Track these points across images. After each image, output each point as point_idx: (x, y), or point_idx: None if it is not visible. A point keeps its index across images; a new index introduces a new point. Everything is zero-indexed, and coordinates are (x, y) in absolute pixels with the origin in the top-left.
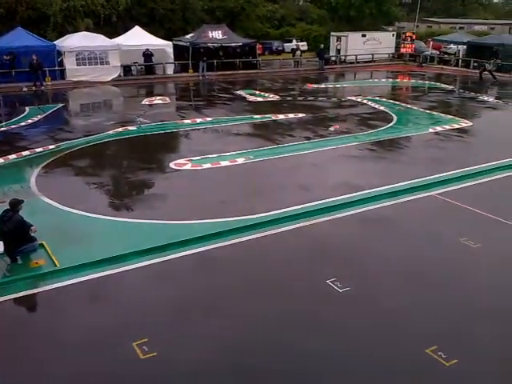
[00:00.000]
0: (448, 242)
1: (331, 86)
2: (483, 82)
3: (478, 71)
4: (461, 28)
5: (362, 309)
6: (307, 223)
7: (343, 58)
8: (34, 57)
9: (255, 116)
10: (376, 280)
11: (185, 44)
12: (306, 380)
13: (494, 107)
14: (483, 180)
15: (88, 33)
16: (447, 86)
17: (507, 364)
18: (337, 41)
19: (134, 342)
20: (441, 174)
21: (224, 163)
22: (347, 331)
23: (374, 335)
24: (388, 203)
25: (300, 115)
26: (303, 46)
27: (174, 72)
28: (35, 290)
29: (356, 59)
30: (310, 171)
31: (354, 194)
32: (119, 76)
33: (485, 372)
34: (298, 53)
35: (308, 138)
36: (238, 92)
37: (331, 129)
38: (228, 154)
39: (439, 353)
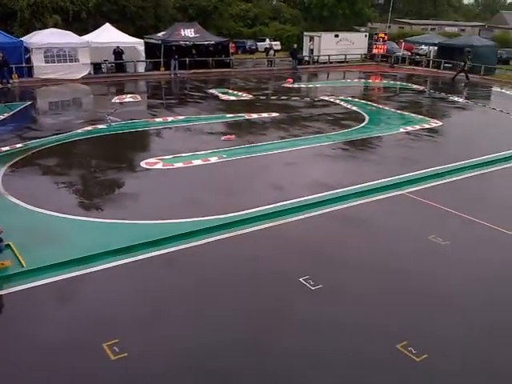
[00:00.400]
0: (418, 240)
1: (304, 85)
2: (455, 82)
3: (452, 72)
4: (432, 29)
5: (335, 305)
6: (279, 222)
7: (316, 58)
8: (0, 53)
9: (228, 115)
10: (347, 277)
11: (156, 42)
12: (278, 378)
13: (463, 107)
14: (452, 179)
15: (57, 29)
16: (418, 87)
17: (476, 357)
18: (310, 41)
19: (104, 342)
20: (411, 173)
21: (196, 162)
22: (321, 329)
23: (346, 332)
24: (359, 202)
25: (273, 114)
26: (276, 45)
27: (146, 70)
28: (1, 292)
29: (329, 59)
30: (283, 170)
31: (326, 193)
32: (89, 74)
33: (454, 366)
34: (272, 52)
35: (281, 138)
36: (211, 91)
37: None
38: (200, 153)
39: (409, 348)
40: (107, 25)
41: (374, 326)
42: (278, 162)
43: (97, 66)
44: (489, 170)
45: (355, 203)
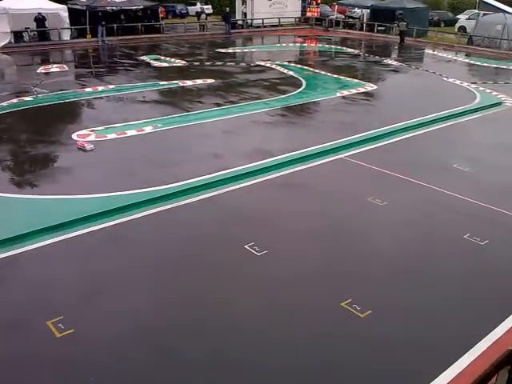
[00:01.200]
0: (357, 202)
1: (239, 50)
2: (394, 45)
3: (385, 35)
4: None
5: (280, 268)
6: (220, 192)
7: (250, 21)
8: None
9: (161, 82)
10: (291, 241)
11: (81, 8)
12: (229, 341)
13: (397, 70)
14: (388, 141)
15: None
16: (353, 50)
17: (415, 312)
18: (242, 4)
19: (48, 320)
20: (349, 137)
21: (130, 132)
22: (268, 290)
23: (292, 293)
24: (299, 168)
25: (209, 81)
26: (208, 9)
27: (71, 38)
28: None
29: (263, 23)
30: (221, 139)
31: (266, 161)
32: (9, 43)
33: (397, 321)
34: (203, 16)
35: (218, 105)
36: (142, 58)
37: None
38: (134, 122)
39: (353, 305)
40: None
41: (318, 286)
42: (216, 131)
43: (18, 35)
44: (423, 132)
45: (295, 169)
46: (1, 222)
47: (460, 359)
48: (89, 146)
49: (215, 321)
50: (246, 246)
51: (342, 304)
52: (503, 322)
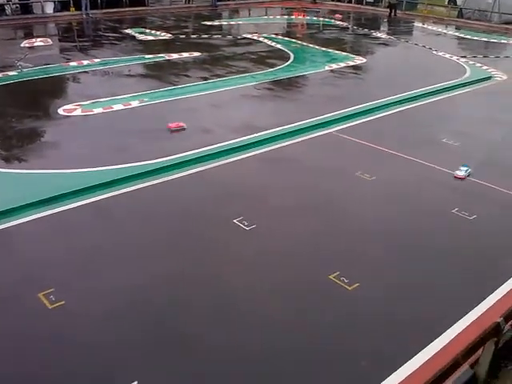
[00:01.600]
0: (345, 176)
1: (226, 23)
2: (395, 18)
3: (374, 8)
4: None
5: (269, 242)
6: (208, 166)
7: None
8: None
9: (147, 56)
10: (279, 215)
11: None
12: (219, 308)
13: (386, 43)
14: (378, 116)
15: None
16: (342, 23)
17: (400, 285)
18: None
19: (39, 292)
20: (338, 112)
21: (117, 107)
22: (256, 264)
23: (280, 265)
24: (288, 142)
25: (195, 54)
26: None
27: (54, 11)
28: None
29: None
30: (209, 113)
31: (255, 135)
32: None
33: (384, 293)
34: None
35: (205, 79)
36: (127, 31)
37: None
38: (120, 97)
39: (341, 278)
40: None
41: (307, 259)
42: (204, 105)
43: (0, 8)
44: (412, 106)
45: (284, 144)
46: None
47: (447, 331)
48: (181, 125)
49: (204, 296)
50: (234, 221)
51: (330, 276)
52: (490, 295)
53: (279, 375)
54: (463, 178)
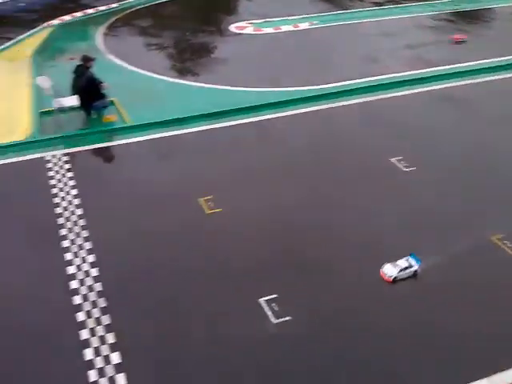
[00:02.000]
0: None
1: None
2: None
3: None
4: None
5: (425, 185)
6: (374, 98)
7: None
8: None
9: None
10: (440, 159)
11: None
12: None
13: None
14: None
15: None
16: None
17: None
18: None
19: (200, 198)
20: None
21: (286, 28)
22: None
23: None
24: (463, 82)
25: None
26: None
27: None
28: (107, 144)
29: None
30: (379, 41)
31: (427, 70)
32: None
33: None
34: None
35: (379, 4)
36: None
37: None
38: (291, 18)
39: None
40: None
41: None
42: (374, 32)
43: None
44: None
45: (459, 83)
46: (165, 104)
47: None
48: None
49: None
50: (392, 159)
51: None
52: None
53: None
54: None
